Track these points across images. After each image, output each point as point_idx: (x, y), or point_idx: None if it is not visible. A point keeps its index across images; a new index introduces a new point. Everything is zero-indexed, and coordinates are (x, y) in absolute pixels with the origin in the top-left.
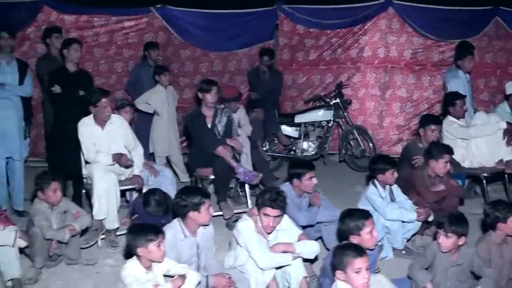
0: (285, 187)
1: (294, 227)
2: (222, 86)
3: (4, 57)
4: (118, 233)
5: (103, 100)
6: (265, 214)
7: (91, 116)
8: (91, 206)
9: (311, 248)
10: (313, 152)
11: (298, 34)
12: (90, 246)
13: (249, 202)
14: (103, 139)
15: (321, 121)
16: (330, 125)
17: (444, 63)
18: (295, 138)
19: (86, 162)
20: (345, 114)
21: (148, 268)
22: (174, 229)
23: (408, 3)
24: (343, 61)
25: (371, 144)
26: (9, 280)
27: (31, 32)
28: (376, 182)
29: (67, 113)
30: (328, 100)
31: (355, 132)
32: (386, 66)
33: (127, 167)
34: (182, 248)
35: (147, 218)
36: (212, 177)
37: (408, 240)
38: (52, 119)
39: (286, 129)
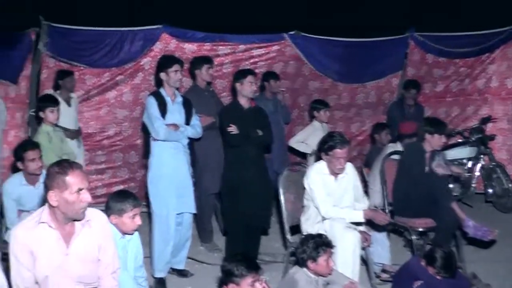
0: None
1: None
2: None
3: (168, 94)
4: None
5: (337, 150)
6: None
7: (323, 162)
8: None
9: None
10: (458, 193)
11: (427, 64)
12: None
13: None
14: (336, 190)
15: (462, 159)
16: (474, 162)
17: None
18: None
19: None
20: (488, 150)
21: None
22: None
23: None
24: (469, 93)
25: (510, 184)
26: None
27: (146, 63)
28: None
29: (246, 156)
30: (467, 135)
31: (498, 170)
32: None
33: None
34: None
35: (435, 282)
36: (421, 229)
37: None
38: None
39: None
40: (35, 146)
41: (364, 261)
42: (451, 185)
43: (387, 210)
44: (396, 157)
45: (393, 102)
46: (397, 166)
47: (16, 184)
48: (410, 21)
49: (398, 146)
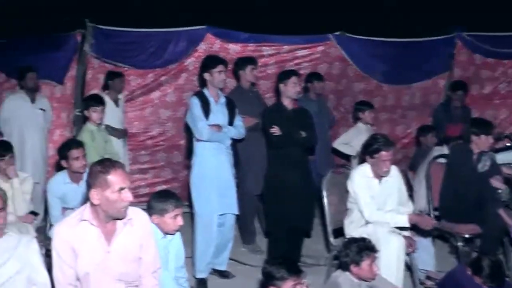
0: None
1: None
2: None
3: (211, 95)
4: None
5: (383, 153)
6: None
7: (367, 165)
8: None
9: None
10: (505, 198)
11: (474, 65)
12: None
13: None
14: (380, 193)
15: (510, 163)
16: None
17: None
18: None
19: None
20: None
21: None
22: None
23: None
24: None
25: None
26: None
27: (189, 64)
28: None
29: (289, 158)
30: None
31: None
32: None
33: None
34: None
35: None
36: (467, 235)
37: None
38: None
39: None
40: (79, 145)
41: (408, 267)
42: (499, 190)
43: (432, 215)
44: (442, 160)
45: (439, 104)
46: (444, 169)
47: (60, 182)
48: (457, 20)
49: (445, 149)
